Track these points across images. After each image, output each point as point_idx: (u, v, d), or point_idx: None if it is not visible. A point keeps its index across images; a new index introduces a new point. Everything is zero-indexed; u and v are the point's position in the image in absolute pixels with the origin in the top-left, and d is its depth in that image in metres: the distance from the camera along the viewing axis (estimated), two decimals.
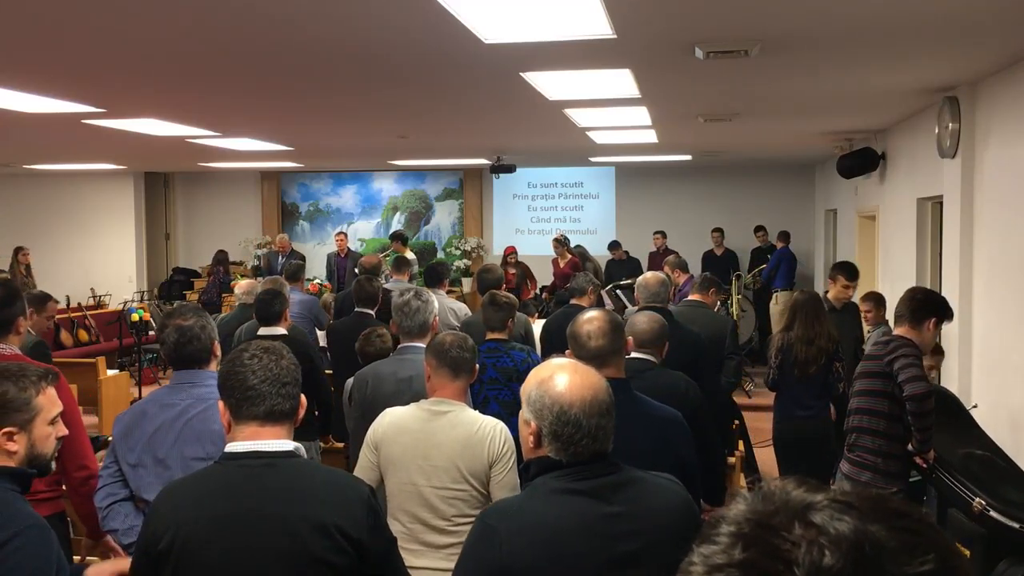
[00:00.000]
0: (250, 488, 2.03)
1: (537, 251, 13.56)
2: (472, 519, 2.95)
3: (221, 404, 2.14)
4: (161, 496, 2.14)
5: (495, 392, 4.47)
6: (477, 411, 3.14)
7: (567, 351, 3.05)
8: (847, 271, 6.17)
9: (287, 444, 2.10)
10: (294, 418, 2.17)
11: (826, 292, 6.28)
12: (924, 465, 4.08)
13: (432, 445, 2.96)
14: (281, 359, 2.15)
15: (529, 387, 2.02)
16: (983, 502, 3.84)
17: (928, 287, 4.66)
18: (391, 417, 3.09)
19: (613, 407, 1.99)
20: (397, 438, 3.01)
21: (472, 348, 3.20)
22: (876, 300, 6.08)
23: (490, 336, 4.62)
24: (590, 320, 2.98)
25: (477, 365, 3.30)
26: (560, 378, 1.99)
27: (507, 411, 4.42)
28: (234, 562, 1.99)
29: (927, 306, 4.07)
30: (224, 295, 12.29)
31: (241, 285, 7.32)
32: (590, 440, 1.93)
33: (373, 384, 3.84)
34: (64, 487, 3.36)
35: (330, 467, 2.27)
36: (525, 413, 2.01)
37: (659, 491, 1.99)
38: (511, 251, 12.13)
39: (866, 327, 6.20)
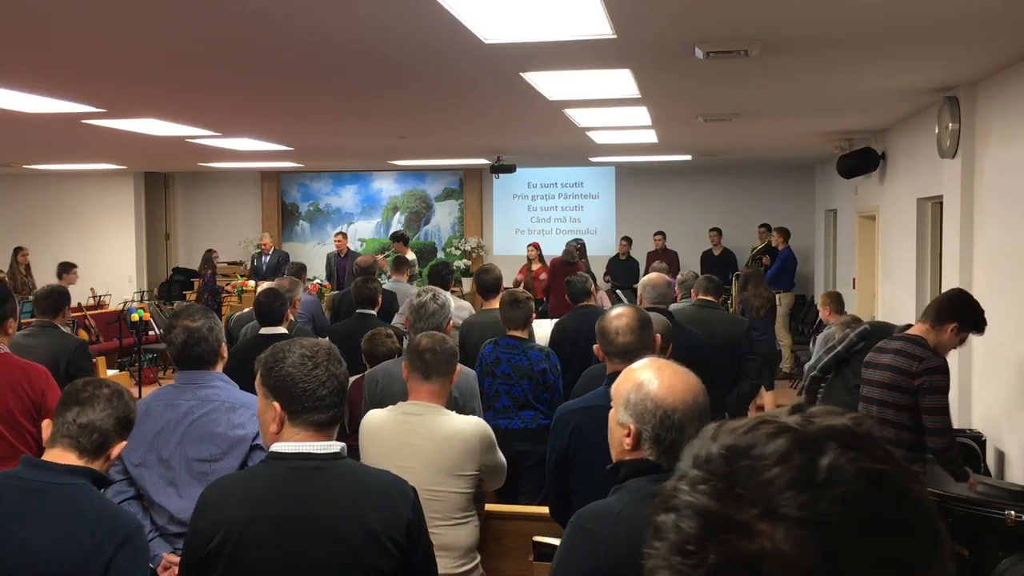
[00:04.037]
0: (301, 490, 2.02)
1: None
2: (454, 522, 2.98)
3: (277, 406, 2.07)
4: (208, 494, 2.09)
5: (506, 387, 4.57)
6: (454, 412, 3.14)
7: (595, 346, 3.05)
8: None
9: (334, 445, 2.09)
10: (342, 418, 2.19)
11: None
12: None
13: (405, 447, 2.99)
14: (341, 364, 2.16)
15: (626, 389, 1.98)
16: (1013, 512, 3.86)
17: (967, 293, 4.30)
18: (369, 420, 3.13)
19: (709, 408, 1.97)
20: (374, 440, 3.06)
21: (450, 351, 3.13)
22: (833, 299, 6.82)
23: (510, 333, 4.70)
24: (619, 316, 2.97)
25: (459, 367, 3.27)
26: (661, 380, 1.96)
27: (516, 405, 4.56)
28: (285, 564, 1.98)
29: (948, 309, 3.94)
30: (223, 296, 12.25)
31: (262, 286, 7.34)
32: None
33: (384, 384, 3.84)
34: None
35: (376, 468, 2.26)
36: (622, 416, 1.97)
37: None
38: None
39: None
